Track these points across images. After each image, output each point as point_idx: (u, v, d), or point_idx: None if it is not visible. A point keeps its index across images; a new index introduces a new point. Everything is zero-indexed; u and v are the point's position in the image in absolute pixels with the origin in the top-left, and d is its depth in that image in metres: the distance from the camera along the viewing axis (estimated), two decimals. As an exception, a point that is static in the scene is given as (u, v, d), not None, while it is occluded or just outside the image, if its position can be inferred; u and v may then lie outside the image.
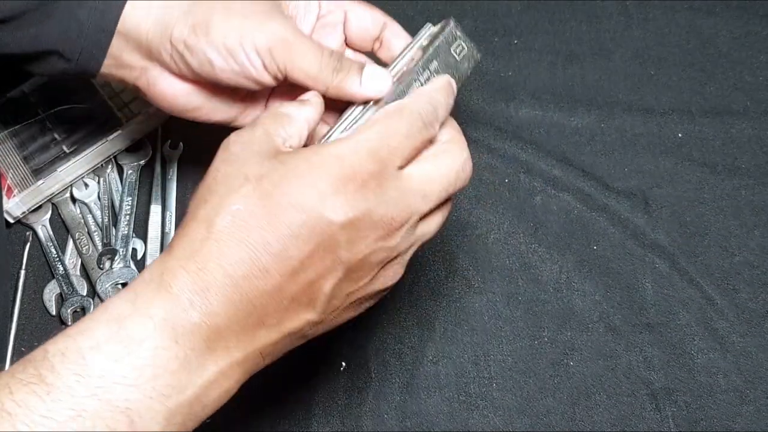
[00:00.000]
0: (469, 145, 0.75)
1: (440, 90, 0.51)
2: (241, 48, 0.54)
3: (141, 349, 0.41)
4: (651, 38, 0.81)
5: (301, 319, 0.45)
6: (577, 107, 0.77)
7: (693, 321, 0.67)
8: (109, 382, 0.40)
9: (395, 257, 0.48)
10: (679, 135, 0.76)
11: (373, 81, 0.54)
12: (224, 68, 0.55)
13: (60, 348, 0.41)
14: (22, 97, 0.78)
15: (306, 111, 0.52)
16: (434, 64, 0.54)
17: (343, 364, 0.67)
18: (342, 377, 0.67)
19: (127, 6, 0.56)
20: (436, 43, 0.55)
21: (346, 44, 0.62)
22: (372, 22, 0.60)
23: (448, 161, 0.49)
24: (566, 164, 0.75)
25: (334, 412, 0.65)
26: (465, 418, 0.64)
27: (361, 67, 0.54)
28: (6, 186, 0.73)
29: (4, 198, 0.72)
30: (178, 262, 0.43)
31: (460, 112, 0.78)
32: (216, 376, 0.43)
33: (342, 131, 0.52)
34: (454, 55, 0.55)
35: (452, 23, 0.56)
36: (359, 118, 0.53)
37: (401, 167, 0.47)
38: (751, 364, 0.65)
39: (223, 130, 0.77)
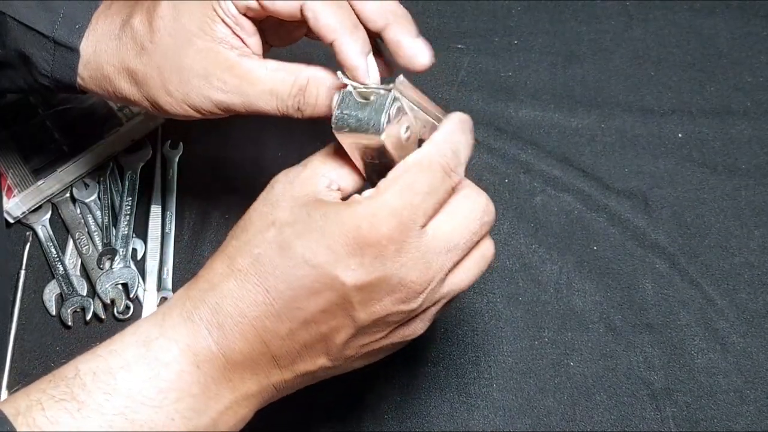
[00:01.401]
0: (469, 145, 0.76)
1: (457, 130, 0.47)
2: (192, 113, 0.55)
3: (166, 372, 0.43)
4: (651, 39, 0.81)
5: (314, 364, 0.46)
6: (578, 108, 0.77)
7: (693, 321, 0.67)
8: (137, 402, 0.42)
9: (418, 314, 0.47)
10: (679, 135, 0.76)
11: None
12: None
13: (92, 367, 0.43)
14: (22, 97, 0.78)
15: (347, 179, 0.49)
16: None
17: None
18: (342, 377, 0.66)
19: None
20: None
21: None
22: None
23: (470, 207, 0.47)
24: (566, 165, 0.74)
25: (334, 413, 0.65)
26: (465, 418, 0.64)
27: (330, 89, 0.52)
28: (6, 186, 0.73)
29: (4, 198, 0.72)
30: (200, 293, 0.45)
31: (461, 111, 0.78)
32: (231, 404, 0.45)
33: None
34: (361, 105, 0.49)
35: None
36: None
37: (423, 225, 0.45)
38: (752, 364, 0.65)
39: (224, 130, 0.77)
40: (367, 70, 0.50)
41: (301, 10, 0.51)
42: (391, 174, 0.45)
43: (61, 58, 0.56)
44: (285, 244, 0.44)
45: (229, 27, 0.53)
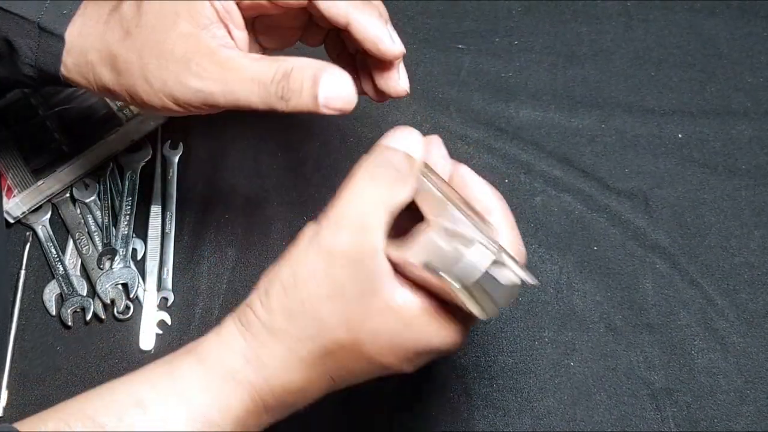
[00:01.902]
0: (469, 145, 0.76)
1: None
2: (171, 104, 0.53)
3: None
4: (651, 39, 0.81)
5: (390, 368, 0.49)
6: (578, 108, 0.77)
7: (693, 321, 0.67)
8: None
9: None
10: (680, 136, 0.76)
11: (335, 100, 0.50)
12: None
13: (135, 422, 0.45)
14: (22, 97, 0.78)
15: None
16: None
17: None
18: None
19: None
20: None
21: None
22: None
23: None
24: (567, 165, 0.75)
25: (334, 413, 0.65)
26: (466, 418, 0.64)
27: (316, 76, 0.50)
28: (6, 186, 0.73)
29: (4, 198, 0.72)
30: (263, 336, 0.46)
31: (460, 112, 0.78)
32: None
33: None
34: None
35: None
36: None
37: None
38: (752, 364, 0.65)
39: (224, 131, 0.77)
40: (391, 37, 0.51)
41: None
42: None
43: (45, 45, 0.55)
44: (356, 341, 0.45)
45: (216, 11, 0.52)
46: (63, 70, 0.56)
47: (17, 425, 0.44)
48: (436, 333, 0.45)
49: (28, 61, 0.56)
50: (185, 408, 0.45)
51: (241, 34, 0.54)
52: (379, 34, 0.51)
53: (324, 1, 0.52)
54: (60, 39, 0.55)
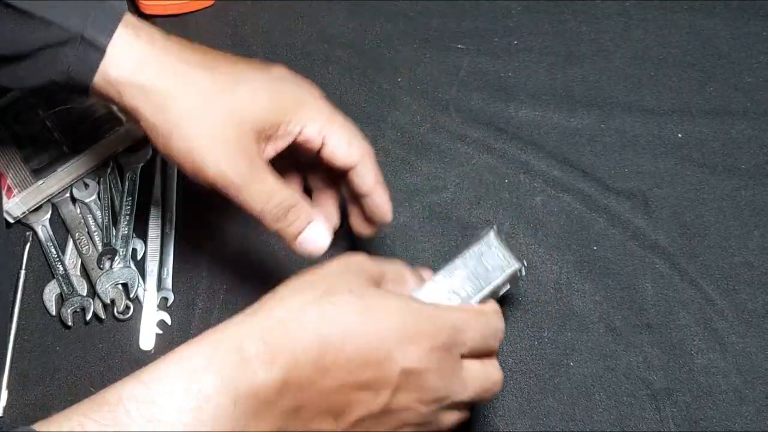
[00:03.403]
0: (469, 145, 0.76)
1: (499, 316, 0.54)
2: (187, 165, 0.57)
3: (207, 405, 0.44)
4: (651, 39, 0.81)
5: (324, 427, 0.48)
6: (577, 108, 0.77)
7: (693, 321, 0.67)
8: (174, 426, 0.43)
9: (413, 425, 0.50)
10: (679, 135, 0.76)
11: (309, 243, 0.60)
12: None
13: (135, 395, 0.44)
14: (22, 98, 0.78)
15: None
16: (461, 272, 0.56)
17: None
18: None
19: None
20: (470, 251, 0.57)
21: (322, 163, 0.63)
22: (345, 158, 0.61)
23: (493, 372, 0.53)
24: (566, 165, 0.75)
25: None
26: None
27: (306, 224, 0.59)
28: (6, 186, 0.73)
29: (4, 198, 0.72)
30: (261, 331, 0.46)
31: (460, 112, 0.78)
32: None
33: (431, 292, 0.55)
34: (485, 265, 0.56)
35: (492, 232, 0.57)
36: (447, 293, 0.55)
37: (463, 355, 0.51)
38: (751, 364, 0.65)
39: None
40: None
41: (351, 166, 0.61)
42: (461, 306, 0.54)
43: (84, 56, 0.56)
44: (363, 310, 0.48)
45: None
46: (94, 82, 0.57)
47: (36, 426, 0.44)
48: None
49: (62, 69, 0.57)
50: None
51: (272, 151, 0.60)
52: (388, 210, 0.63)
53: (358, 174, 0.61)
54: (100, 53, 0.56)
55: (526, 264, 0.57)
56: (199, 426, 0.44)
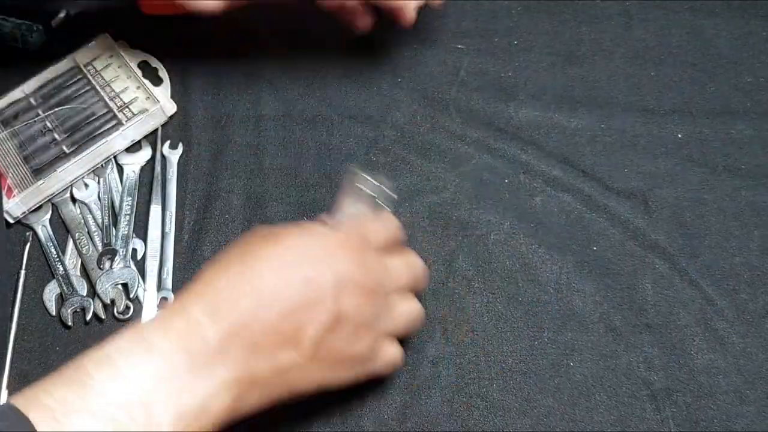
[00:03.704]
0: (469, 145, 0.76)
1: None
2: None
3: (161, 356, 0.49)
4: (651, 39, 0.81)
5: (288, 357, 0.52)
6: (578, 108, 0.77)
7: (693, 321, 0.67)
8: (135, 383, 0.47)
9: (372, 326, 0.56)
10: (679, 136, 0.76)
11: None
12: None
13: (93, 357, 0.49)
14: (22, 98, 0.78)
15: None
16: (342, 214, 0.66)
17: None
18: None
19: None
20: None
21: None
22: None
23: (414, 260, 0.62)
24: (566, 165, 0.75)
25: (334, 413, 0.65)
26: (465, 418, 0.64)
27: None
28: (6, 186, 0.73)
29: (4, 198, 0.72)
30: (196, 293, 0.52)
31: (460, 112, 0.78)
32: (216, 388, 0.50)
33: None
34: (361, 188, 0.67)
35: (353, 174, 0.67)
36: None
37: (380, 251, 0.59)
38: (751, 364, 0.65)
39: (223, 131, 0.77)
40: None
41: None
42: (358, 215, 0.64)
43: None
44: (279, 240, 0.54)
45: None
46: None
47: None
48: None
49: None
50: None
51: None
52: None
53: None
54: None
55: (387, 181, 0.68)
56: (157, 374, 0.48)
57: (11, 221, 0.74)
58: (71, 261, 0.73)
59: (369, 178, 0.67)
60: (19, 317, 0.70)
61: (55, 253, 0.72)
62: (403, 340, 0.62)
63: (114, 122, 0.76)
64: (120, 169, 0.76)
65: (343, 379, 0.57)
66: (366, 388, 0.66)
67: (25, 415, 0.44)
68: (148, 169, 0.77)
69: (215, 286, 0.52)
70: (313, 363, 0.53)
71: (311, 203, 0.74)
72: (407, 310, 0.60)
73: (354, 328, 0.54)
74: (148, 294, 0.70)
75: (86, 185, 0.75)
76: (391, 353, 0.59)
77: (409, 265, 0.61)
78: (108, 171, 0.76)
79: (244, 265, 0.53)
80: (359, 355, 0.56)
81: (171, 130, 0.79)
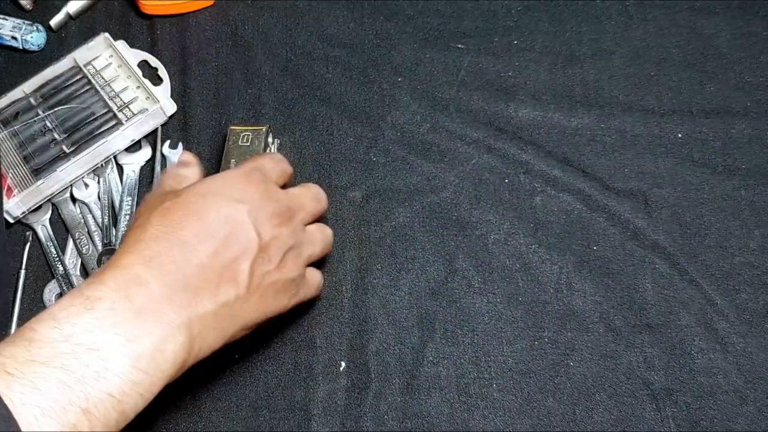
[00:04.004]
0: (469, 145, 0.76)
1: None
2: None
3: (100, 305, 0.49)
4: (651, 39, 0.81)
5: (229, 293, 0.55)
6: (577, 108, 0.77)
7: (693, 321, 0.67)
8: (79, 329, 0.48)
9: (295, 251, 0.60)
10: (679, 135, 0.76)
11: None
12: None
13: (36, 318, 0.49)
14: (22, 97, 0.78)
15: (194, 170, 0.65)
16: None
17: (343, 364, 0.67)
18: (342, 378, 0.67)
19: None
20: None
21: None
22: None
23: (312, 186, 0.66)
24: (566, 165, 0.74)
25: (334, 413, 0.65)
26: (465, 419, 0.64)
27: None
28: (6, 186, 0.73)
29: (4, 198, 0.72)
30: (124, 251, 0.54)
31: (460, 112, 0.78)
32: (169, 331, 0.51)
33: None
34: (246, 144, 0.72)
35: (231, 131, 0.73)
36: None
37: (277, 183, 0.63)
38: (752, 364, 0.65)
39: (223, 131, 0.77)
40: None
41: None
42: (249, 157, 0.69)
43: None
44: (191, 193, 0.57)
45: None
46: None
47: None
48: None
49: None
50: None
51: None
52: None
53: None
54: None
55: (269, 125, 0.74)
56: (99, 321, 0.49)
57: (11, 221, 0.74)
58: (71, 261, 0.73)
59: (248, 129, 0.73)
60: (19, 317, 0.70)
61: (54, 253, 0.72)
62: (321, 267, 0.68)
63: (114, 122, 0.76)
64: (120, 169, 0.76)
65: (284, 305, 0.60)
66: (365, 387, 0.66)
67: None
68: (148, 169, 0.77)
69: (143, 242, 0.54)
70: (253, 294, 0.56)
71: (311, 203, 0.74)
72: (319, 233, 0.64)
73: (280, 255, 0.58)
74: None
75: (86, 185, 0.75)
76: (316, 276, 0.65)
77: (309, 191, 0.65)
78: (108, 171, 0.76)
79: (163, 219, 0.55)
80: (292, 279, 0.60)
81: (171, 130, 0.79)
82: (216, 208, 0.56)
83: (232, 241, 0.56)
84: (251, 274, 0.56)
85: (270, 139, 0.74)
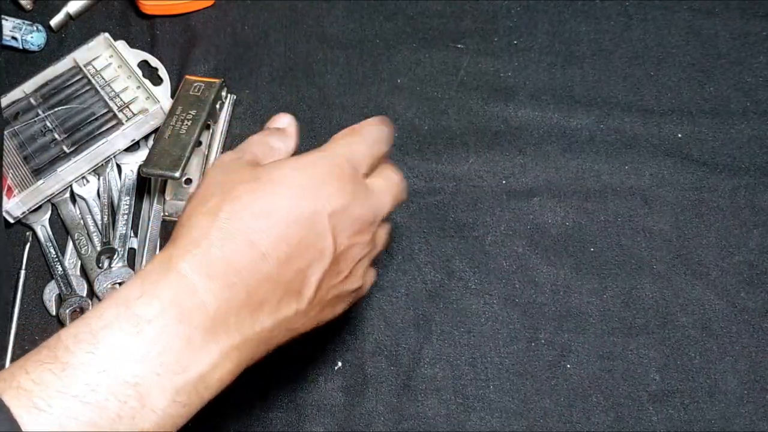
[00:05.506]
0: (468, 145, 0.76)
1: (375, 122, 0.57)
2: None
3: (149, 328, 0.43)
4: (650, 38, 0.81)
5: (291, 308, 0.49)
6: (577, 108, 0.77)
7: (691, 322, 0.67)
8: (119, 358, 0.42)
9: (363, 260, 0.54)
10: (679, 135, 0.75)
11: None
12: None
13: (72, 332, 0.43)
14: (22, 97, 0.78)
15: (289, 143, 0.57)
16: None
17: (339, 363, 0.67)
18: (338, 378, 0.67)
19: None
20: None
21: None
22: None
23: (394, 177, 0.56)
24: (565, 165, 0.74)
25: (329, 414, 0.65)
26: (462, 420, 0.64)
27: None
28: (6, 186, 0.73)
29: (4, 198, 0.72)
30: (185, 248, 0.46)
31: (460, 112, 0.78)
32: (218, 358, 0.45)
33: None
34: (196, 94, 0.74)
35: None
36: None
37: (365, 175, 0.54)
38: (750, 364, 0.65)
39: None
40: None
41: None
42: (332, 138, 0.55)
43: None
44: (264, 189, 0.49)
45: None
46: None
47: None
48: None
49: None
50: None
51: None
52: None
53: None
54: None
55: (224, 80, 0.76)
56: (144, 348, 0.43)
57: (11, 221, 0.74)
58: (71, 261, 0.73)
59: (202, 80, 0.75)
60: (19, 317, 0.70)
61: (54, 253, 0.73)
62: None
63: (114, 122, 0.76)
64: (120, 169, 0.77)
65: (337, 313, 0.55)
66: (363, 388, 0.66)
67: (1, 399, 0.40)
68: (147, 169, 0.77)
69: (208, 241, 0.46)
70: (314, 308, 0.51)
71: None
72: (385, 234, 0.57)
73: (351, 266, 0.52)
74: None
75: (86, 181, 0.76)
76: (371, 277, 0.58)
77: (391, 187, 0.56)
78: (108, 170, 0.76)
79: (234, 212, 0.47)
80: (353, 289, 0.54)
81: (170, 130, 0.79)
82: (296, 206, 0.48)
83: (306, 247, 0.48)
84: (318, 287, 0.50)
85: (224, 94, 0.75)
